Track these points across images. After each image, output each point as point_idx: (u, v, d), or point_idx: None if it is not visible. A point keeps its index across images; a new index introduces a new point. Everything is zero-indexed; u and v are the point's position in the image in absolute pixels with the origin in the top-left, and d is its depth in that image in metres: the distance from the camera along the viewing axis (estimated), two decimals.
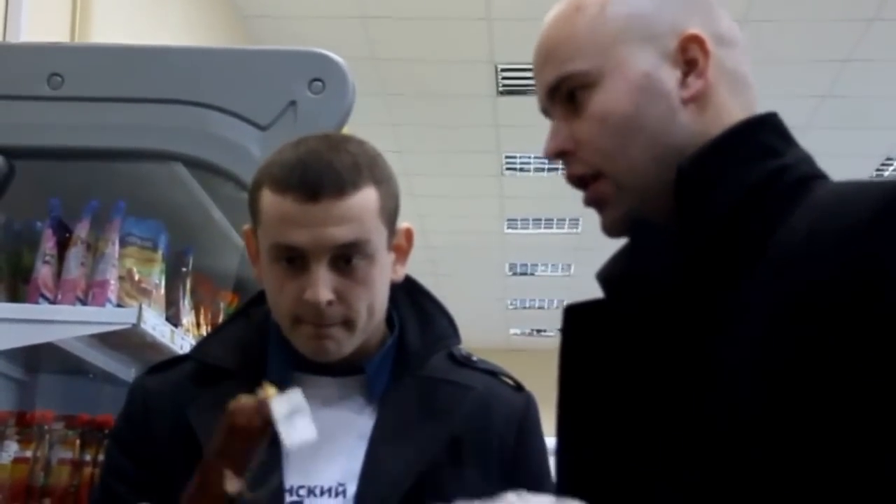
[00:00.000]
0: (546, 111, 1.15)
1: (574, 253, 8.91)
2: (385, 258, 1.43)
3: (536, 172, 7.34)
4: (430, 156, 7.08)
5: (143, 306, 2.05)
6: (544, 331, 11.95)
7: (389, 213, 1.42)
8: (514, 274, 9.91)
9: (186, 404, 1.46)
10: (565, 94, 1.11)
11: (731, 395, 0.95)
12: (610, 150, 1.08)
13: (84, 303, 2.07)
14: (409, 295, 1.52)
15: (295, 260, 1.37)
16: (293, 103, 1.88)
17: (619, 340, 1.07)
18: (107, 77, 2.02)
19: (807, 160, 1.08)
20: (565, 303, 1.14)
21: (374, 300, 1.42)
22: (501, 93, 6.06)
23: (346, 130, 2.08)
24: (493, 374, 1.57)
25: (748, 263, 1.00)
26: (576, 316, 1.15)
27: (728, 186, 1.03)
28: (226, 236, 2.33)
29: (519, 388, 1.57)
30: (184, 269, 2.43)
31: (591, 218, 1.11)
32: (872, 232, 0.93)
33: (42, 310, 2.03)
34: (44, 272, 2.07)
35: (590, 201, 1.12)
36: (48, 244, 2.09)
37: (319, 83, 1.89)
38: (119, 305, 2.10)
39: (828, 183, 1.05)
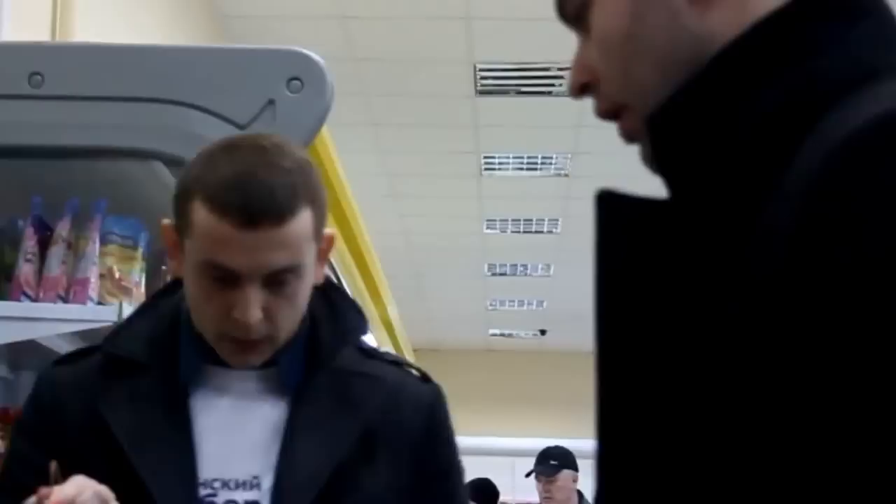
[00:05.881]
0: None
1: (554, 253, 8.92)
2: (312, 270, 1.45)
3: (515, 172, 7.36)
4: (409, 156, 7.10)
5: (124, 304, 2.06)
6: (523, 332, 11.97)
7: (320, 228, 1.44)
8: (494, 275, 9.91)
9: (97, 397, 1.46)
10: (571, 16, 0.92)
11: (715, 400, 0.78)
12: (617, 76, 0.88)
13: (65, 300, 2.08)
14: (320, 289, 1.53)
15: (225, 278, 1.39)
16: (272, 102, 1.89)
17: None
18: (87, 76, 2.03)
19: (871, 47, 0.79)
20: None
21: (299, 313, 1.45)
22: (480, 93, 6.08)
23: (325, 130, 2.09)
24: (400, 364, 1.61)
25: (740, 240, 0.76)
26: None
27: (718, 132, 0.80)
28: None
29: (426, 378, 1.59)
30: (164, 268, 2.44)
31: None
32: (814, 193, 0.71)
33: (24, 307, 2.04)
34: (26, 270, 2.08)
35: (624, 138, 0.93)
36: (30, 242, 2.10)
37: (298, 82, 1.90)
38: (100, 303, 2.11)
39: (868, 92, 0.75)
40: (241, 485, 1.44)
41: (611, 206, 0.86)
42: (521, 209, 8.10)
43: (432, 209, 8.20)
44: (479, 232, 8.68)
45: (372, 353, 1.60)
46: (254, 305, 1.38)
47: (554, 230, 8.47)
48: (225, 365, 1.47)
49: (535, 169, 7.28)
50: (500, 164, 7.24)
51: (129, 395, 1.46)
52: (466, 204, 8.02)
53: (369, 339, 4.98)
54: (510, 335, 12.16)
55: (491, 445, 11.64)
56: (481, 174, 7.43)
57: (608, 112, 0.91)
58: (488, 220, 8.44)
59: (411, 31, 5.44)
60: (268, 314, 1.40)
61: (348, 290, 3.81)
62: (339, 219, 3.17)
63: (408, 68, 5.83)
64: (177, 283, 1.54)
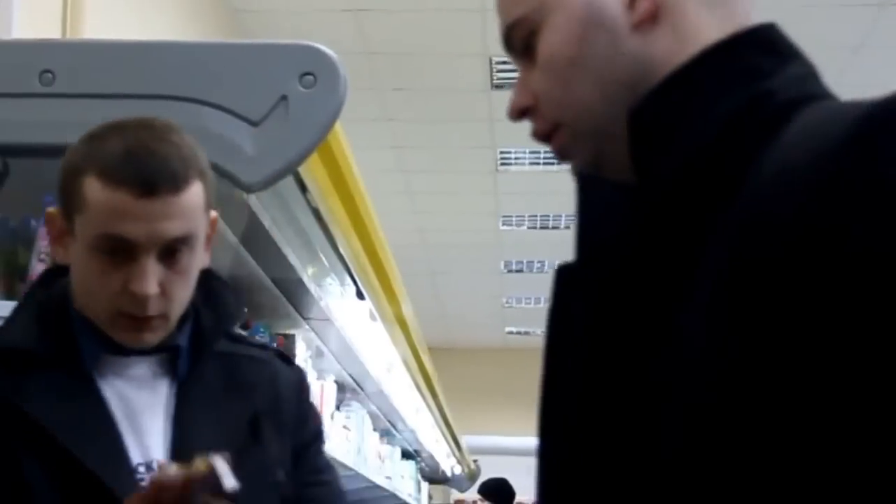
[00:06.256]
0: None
1: (570, 250, 8.88)
2: (202, 247, 1.49)
3: (532, 167, 7.34)
4: (424, 151, 7.09)
5: None
6: (540, 330, 11.95)
7: (210, 204, 1.48)
8: (510, 271, 9.91)
9: (7, 392, 1.46)
10: (519, 47, 1.01)
11: (691, 372, 0.84)
12: (560, 96, 0.97)
13: None
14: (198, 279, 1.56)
15: (121, 251, 1.41)
16: (284, 98, 1.87)
17: (593, 305, 0.96)
18: (98, 73, 2.01)
19: (802, 79, 0.92)
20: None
21: (190, 290, 1.49)
22: (496, 86, 6.06)
23: (338, 126, 2.07)
24: (267, 348, 1.70)
25: (714, 218, 0.86)
26: (566, 277, 1.04)
27: (690, 128, 0.90)
28: (219, 233, 2.33)
29: (289, 360, 1.70)
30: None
31: None
32: (842, 156, 0.79)
33: None
34: (39, 270, 2.07)
35: (556, 156, 1.02)
36: (43, 242, 2.09)
37: (311, 77, 1.88)
38: None
39: (820, 105, 0.89)
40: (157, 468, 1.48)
41: (587, 186, 0.98)
42: (538, 205, 8.09)
43: (447, 205, 8.19)
44: (494, 228, 8.67)
45: (239, 338, 1.67)
46: (151, 277, 1.41)
47: (571, 226, 8.42)
48: (122, 353, 1.51)
49: (552, 164, 7.25)
50: (516, 158, 7.23)
51: (44, 388, 1.48)
52: (482, 200, 8.02)
53: (385, 337, 4.95)
54: (527, 333, 12.15)
55: (508, 445, 11.64)
56: (497, 169, 7.42)
57: (544, 132, 1.00)
58: (504, 216, 8.43)
59: (425, 25, 5.42)
60: (162, 289, 1.44)
61: (362, 288, 3.79)
62: (354, 216, 3.15)
63: (422, 62, 5.82)
64: (51, 276, 1.57)
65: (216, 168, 1.96)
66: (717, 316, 0.83)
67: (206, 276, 1.58)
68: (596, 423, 0.91)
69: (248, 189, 1.91)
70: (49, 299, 1.53)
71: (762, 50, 0.92)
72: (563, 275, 1.03)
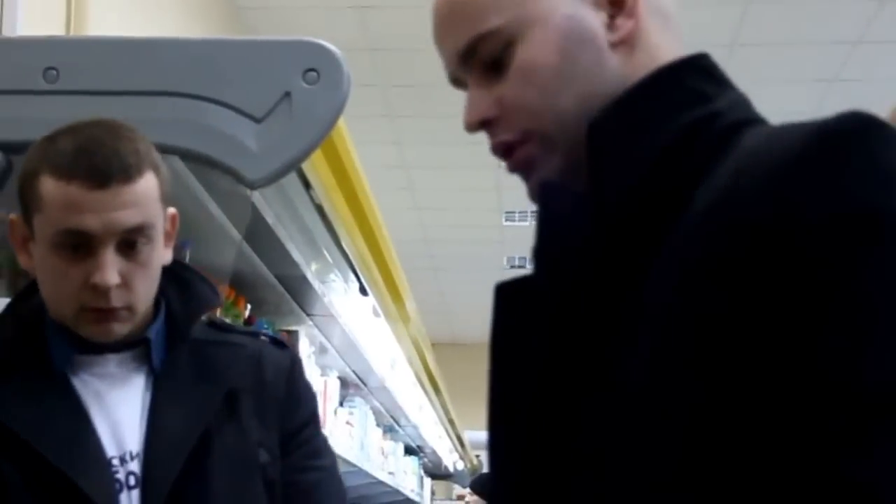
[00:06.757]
0: (457, 80, 1.06)
1: None
2: (161, 241, 1.50)
3: None
4: (427, 147, 7.08)
5: None
6: None
7: (165, 197, 1.50)
8: (513, 267, 9.89)
9: None
10: (484, 58, 1.01)
11: (645, 377, 0.86)
12: (538, 106, 0.98)
13: None
14: (169, 271, 1.58)
15: (80, 246, 1.43)
16: (287, 94, 1.87)
17: (543, 319, 0.97)
18: (102, 70, 2.01)
19: (741, 104, 0.97)
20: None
21: (153, 282, 1.50)
22: None
23: (341, 122, 2.07)
24: (256, 335, 1.71)
25: (668, 226, 0.89)
26: (507, 295, 1.05)
27: (645, 141, 0.94)
28: (222, 230, 2.33)
29: (281, 344, 1.70)
30: None
31: None
32: (797, 170, 0.82)
33: None
34: None
35: (515, 167, 1.03)
36: None
37: (314, 73, 1.88)
38: None
39: (764, 126, 0.94)
40: (134, 457, 1.49)
41: (550, 193, 1.00)
42: None
43: (450, 201, 8.17)
44: (498, 224, 8.66)
45: (226, 327, 1.69)
46: (110, 268, 1.43)
47: None
48: (94, 352, 1.53)
49: None
50: None
51: (16, 392, 1.50)
52: (485, 195, 8.00)
53: (388, 333, 4.94)
54: None
55: None
56: (500, 165, 7.36)
57: (509, 143, 1.01)
58: (507, 212, 8.41)
59: (428, 20, 5.40)
60: (124, 281, 1.45)
61: (366, 284, 3.79)
62: (357, 212, 3.15)
63: (425, 58, 5.80)
64: (32, 288, 1.57)
65: (220, 165, 1.97)
66: (670, 320, 0.86)
67: (178, 268, 1.60)
68: (553, 426, 0.93)
69: (252, 185, 1.91)
70: (27, 309, 1.56)
71: (702, 74, 0.97)
72: (505, 292, 1.04)
